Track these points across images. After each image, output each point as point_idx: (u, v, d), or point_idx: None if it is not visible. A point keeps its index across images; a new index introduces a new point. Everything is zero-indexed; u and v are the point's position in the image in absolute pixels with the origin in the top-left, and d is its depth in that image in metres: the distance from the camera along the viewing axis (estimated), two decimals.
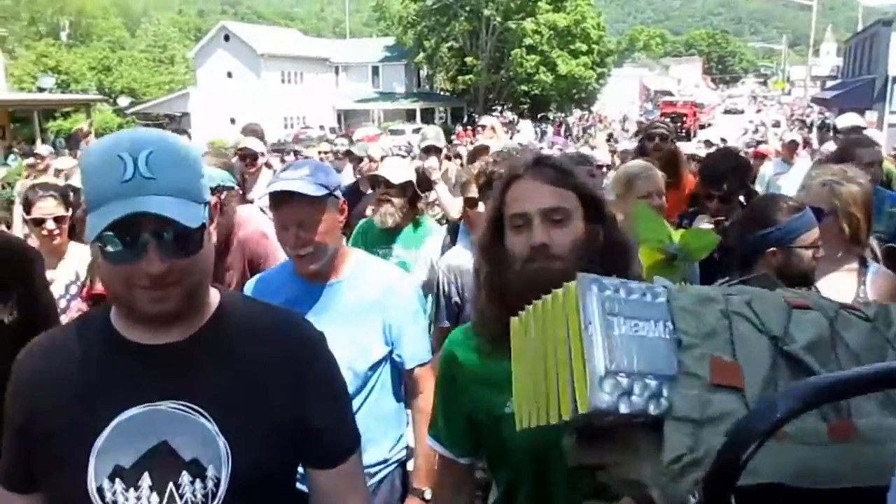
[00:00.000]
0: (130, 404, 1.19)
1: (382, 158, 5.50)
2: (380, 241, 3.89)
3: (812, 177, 2.65)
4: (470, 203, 3.03)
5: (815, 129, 22.47)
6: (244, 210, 3.40)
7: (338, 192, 2.12)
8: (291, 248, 2.04)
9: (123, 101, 41.60)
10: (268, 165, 5.63)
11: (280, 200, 2.03)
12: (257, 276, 2.39)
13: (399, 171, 3.85)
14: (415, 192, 3.83)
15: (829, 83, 42.49)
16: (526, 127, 28.66)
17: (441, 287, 2.78)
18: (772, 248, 2.20)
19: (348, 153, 7.11)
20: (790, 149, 7.88)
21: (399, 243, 3.82)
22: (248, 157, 5.52)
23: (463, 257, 2.68)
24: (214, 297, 1.31)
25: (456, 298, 2.71)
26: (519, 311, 1.08)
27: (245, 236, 3.07)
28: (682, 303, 0.92)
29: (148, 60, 56.49)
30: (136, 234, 1.11)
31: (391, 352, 2.17)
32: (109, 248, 1.12)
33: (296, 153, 6.51)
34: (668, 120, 5.83)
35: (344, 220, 2.16)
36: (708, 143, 10.54)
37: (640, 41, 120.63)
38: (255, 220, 3.23)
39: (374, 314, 2.13)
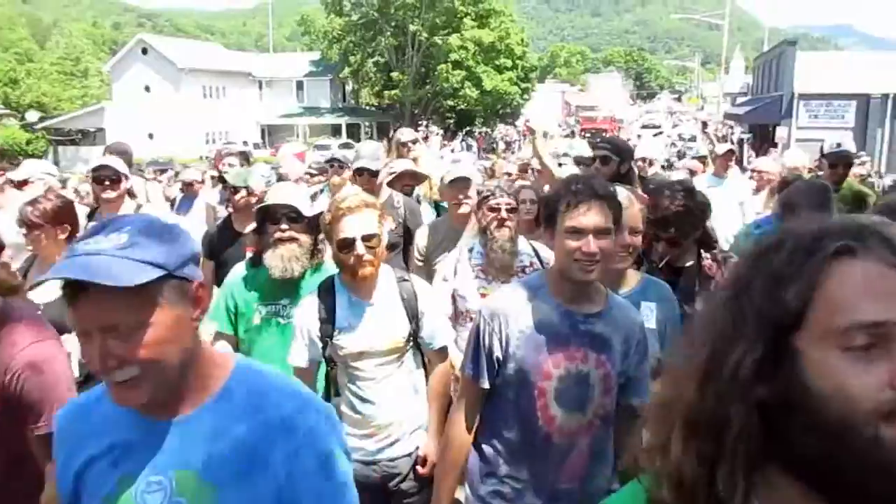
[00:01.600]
0: None
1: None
2: (272, 296, 2.97)
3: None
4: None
5: (738, 144, 23.40)
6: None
7: (188, 269, 1.24)
8: (100, 371, 1.19)
9: (32, 115, 39.63)
10: (130, 195, 4.50)
11: (74, 291, 1.15)
12: (69, 404, 1.42)
13: (306, 200, 3.07)
14: (318, 228, 2.89)
15: (740, 99, 44.50)
16: (435, 142, 27.91)
17: (481, 338, 2.17)
18: None
19: (221, 180, 5.02)
20: (725, 160, 6.71)
21: (301, 299, 2.77)
22: (107, 178, 4.18)
23: (508, 300, 2.19)
24: None
25: (498, 353, 2.15)
26: None
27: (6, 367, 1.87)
28: None
29: (59, 73, 54.22)
30: None
31: None
32: None
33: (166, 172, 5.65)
34: (611, 136, 5.47)
35: (201, 312, 1.27)
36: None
37: (561, 57, 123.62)
38: (25, 332, 1.94)
39: (257, 471, 1.26)
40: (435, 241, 3.97)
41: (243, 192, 4.26)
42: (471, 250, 3.36)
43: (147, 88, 42.32)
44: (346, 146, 32.18)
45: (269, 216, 2.96)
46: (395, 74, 43.88)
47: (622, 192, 2.48)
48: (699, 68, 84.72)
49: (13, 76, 48.57)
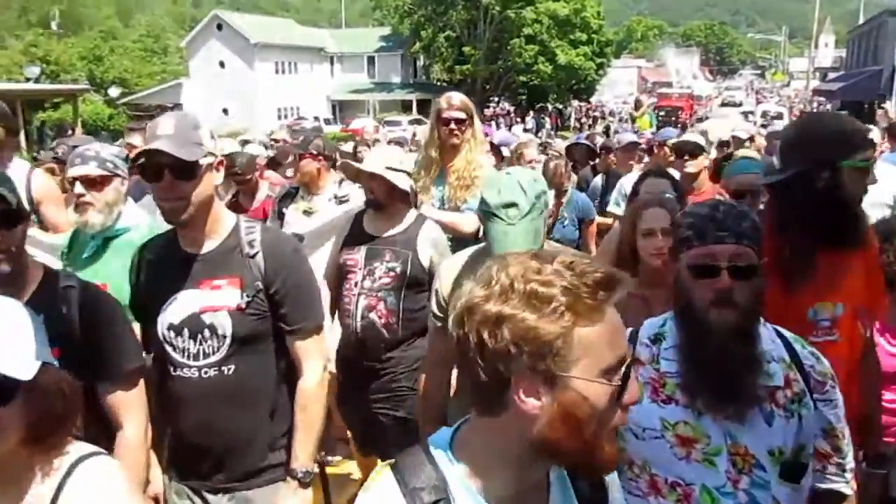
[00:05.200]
0: None
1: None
2: None
3: None
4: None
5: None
6: None
7: None
8: None
9: (114, 91, 40.86)
10: None
11: None
12: None
13: None
14: None
15: (832, 75, 42.03)
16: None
17: None
18: None
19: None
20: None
21: None
22: None
23: None
24: None
25: None
26: None
27: None
28: None
29: (140, 50, 55.80)
30: None
31: None
32: None
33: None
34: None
35: None
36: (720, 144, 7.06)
37: (638, 32, 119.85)
38: None
39: None
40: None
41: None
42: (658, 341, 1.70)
43: (222, 64, 42.93)
44: (416, 122, 31.82)
45: None
46: (466, 49, 43.14)
47: None
48: (786, 42, 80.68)
49: (97, 53, 50.17)
